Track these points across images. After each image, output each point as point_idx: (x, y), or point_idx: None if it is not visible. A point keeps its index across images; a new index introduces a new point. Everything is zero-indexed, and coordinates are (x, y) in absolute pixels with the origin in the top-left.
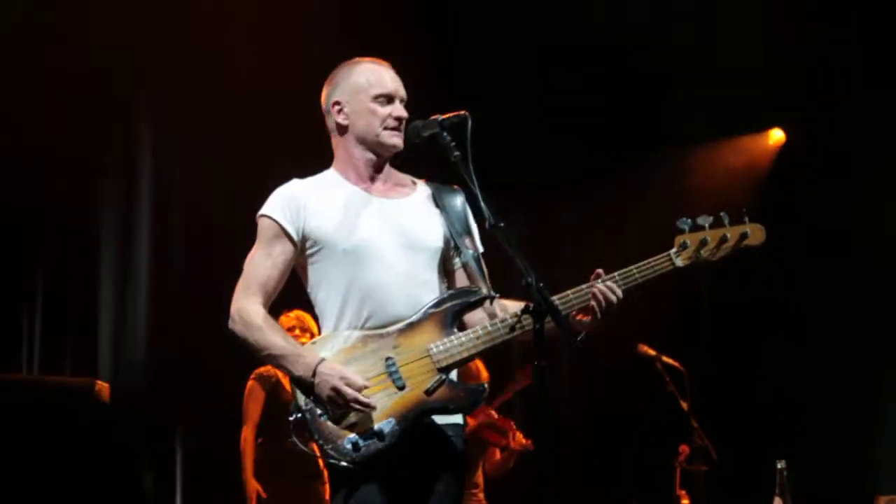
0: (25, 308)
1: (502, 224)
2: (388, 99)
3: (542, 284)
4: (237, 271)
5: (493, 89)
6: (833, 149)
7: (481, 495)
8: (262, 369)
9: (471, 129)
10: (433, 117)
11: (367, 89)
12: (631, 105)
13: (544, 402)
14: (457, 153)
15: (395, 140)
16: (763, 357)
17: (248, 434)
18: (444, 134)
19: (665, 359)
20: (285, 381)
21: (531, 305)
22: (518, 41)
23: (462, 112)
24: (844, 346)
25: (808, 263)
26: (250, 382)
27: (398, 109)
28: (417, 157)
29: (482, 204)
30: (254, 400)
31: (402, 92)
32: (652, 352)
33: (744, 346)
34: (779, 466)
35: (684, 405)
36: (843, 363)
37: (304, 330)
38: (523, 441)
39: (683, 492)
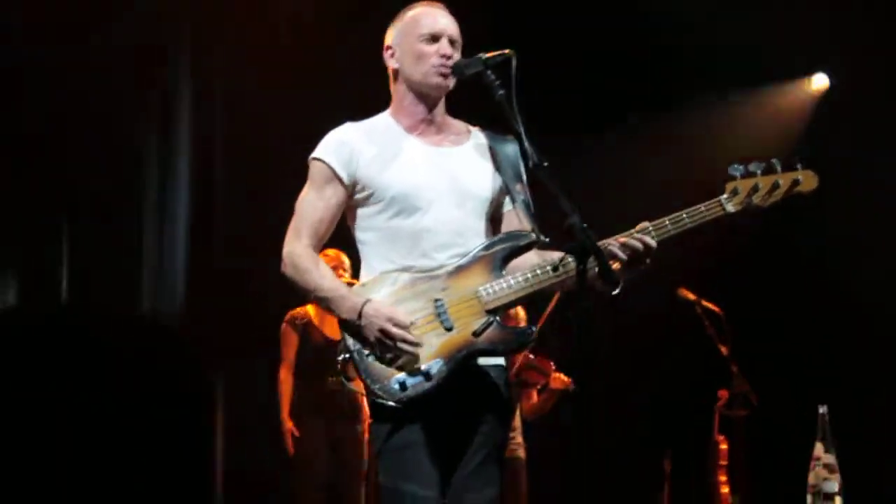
0: (66, 233)
1: (546, 164)
2: (434, 38)
3: (585, 225)
4: (277, 205)
5: (529, 33)
6: (884, 95)
7: (520, 438)
8: (294, 311)
9: (515, 68)
10: (477, 56)
11: (413, 30)
12: (663, 51)
13: (585, 344)
14: (501, 92)
15: (438, 80)
16: (806, 302)
17: (283, 375)
18: (489, 72)
19: (705, 303)
20: (317, 322)
21: (574, 246)
22: None
23: (507, 51)
24: (888, 292)
25: (854, 213)
26: (283, 325)
27: (443, 47)
28: (469, 100)
29: (526, 144)
30: (287, 342)
31: (451, 31)
32: (692, 296)
33: (786, 290)
34: (820, 411)
35: (723, 350)
36: (887, 308)
37: (345, 269)
38: (564, 380)
39: (722, 437)
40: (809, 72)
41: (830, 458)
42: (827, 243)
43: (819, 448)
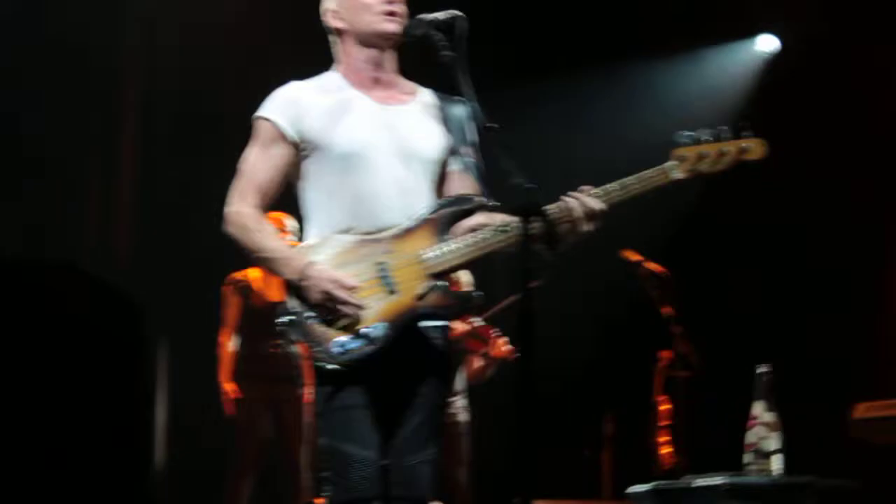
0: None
1: (494, 126)
2: None
3: (531, 187)
4: (223, 168)
5: None
6: (837, 56)
7: (462, 402)
8: (235, 274)
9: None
10: (422, 15)
11: None
12: (609, 7)
13: (529, 310)
14: (446, 53)
15: (389, 26)
16: (753, 264)
17: (223, 338)
18: (435, 33)
19: (649, 264)
20: (258, 285)
21: (520, 208)
22: None
23: (454, 11)
24: (835, 260)
25: (805, 179)
26: (224, 288)
27: None
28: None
29: (474, 105)
30: (228, 305)
31: None
32: (637, 256)
33: (735, 256)
34: (759, 370)
35: (666, 311)
36: (834, 274)
37: (288, 231)
38: (503, 349)
39: (664, 397)
40: (757, 33)
41: (771, 417)
42: (773, 209)
43: (758, 407)
